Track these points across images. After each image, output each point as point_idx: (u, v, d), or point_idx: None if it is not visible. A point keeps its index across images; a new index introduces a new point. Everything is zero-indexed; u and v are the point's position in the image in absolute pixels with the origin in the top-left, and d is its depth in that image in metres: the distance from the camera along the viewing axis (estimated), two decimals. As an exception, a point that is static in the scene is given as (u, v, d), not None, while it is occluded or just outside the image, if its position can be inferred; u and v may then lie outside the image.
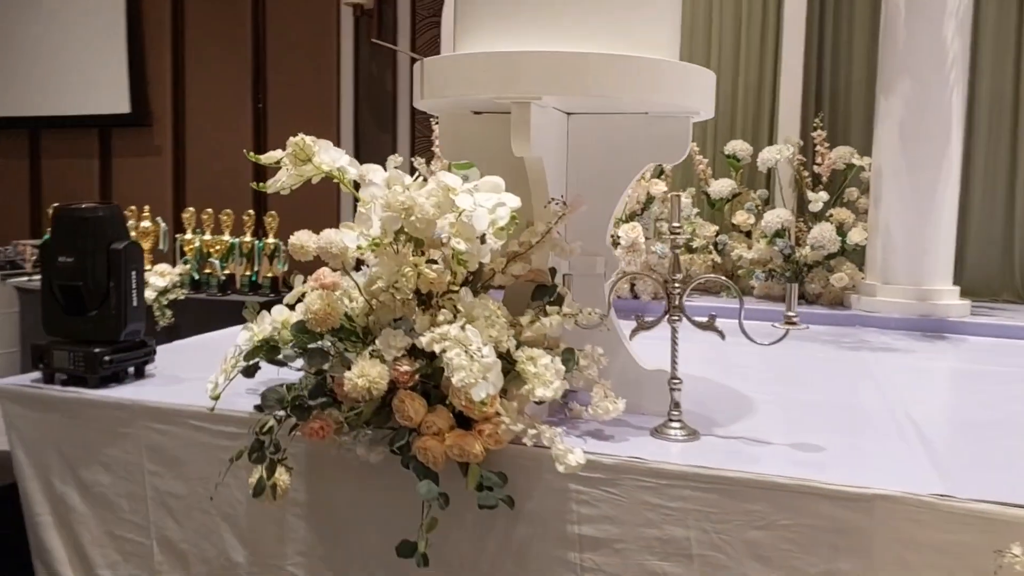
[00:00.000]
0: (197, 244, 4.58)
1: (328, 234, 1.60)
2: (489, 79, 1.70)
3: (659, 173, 3.95)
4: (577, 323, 1.75)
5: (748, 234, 3.97)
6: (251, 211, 4.58)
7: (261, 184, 2.06)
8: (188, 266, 4.54)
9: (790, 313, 1.67)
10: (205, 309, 4.47)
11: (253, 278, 4.53)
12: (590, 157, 1.98)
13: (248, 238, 4.55)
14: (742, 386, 2.30)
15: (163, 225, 4.67)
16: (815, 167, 3.87)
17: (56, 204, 2.13)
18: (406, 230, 1.60)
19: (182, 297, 4.43)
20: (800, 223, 3.76)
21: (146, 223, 4.68)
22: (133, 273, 2.12)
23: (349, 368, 1.60)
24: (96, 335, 2.10)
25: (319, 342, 1.75)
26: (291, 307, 1.91)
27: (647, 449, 1.69)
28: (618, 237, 3.66)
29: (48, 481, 2.08)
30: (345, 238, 1.58)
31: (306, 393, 1.64)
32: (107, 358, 2.07)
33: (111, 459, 2.01)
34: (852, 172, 3.79)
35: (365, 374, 1.55)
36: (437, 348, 1.50)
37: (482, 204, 1.54)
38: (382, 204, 1.58)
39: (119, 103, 6.09)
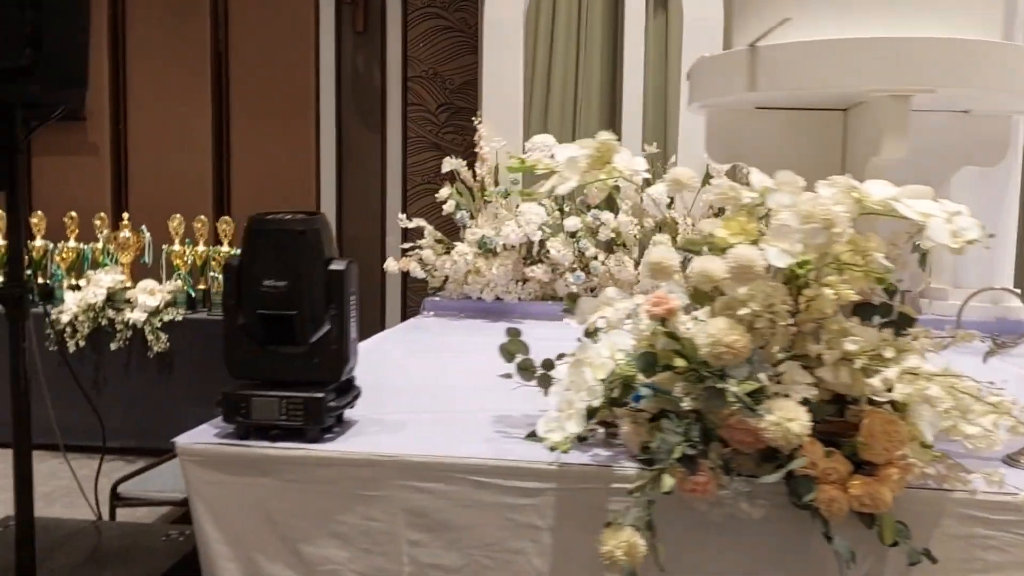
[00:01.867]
0: (190, 257, 4.01)
1: (744, 252, 1.33)
2: (868, 68, 1.48)
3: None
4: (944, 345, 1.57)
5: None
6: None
7: (526, 191, 1.75)
8: (181, 282, 3.97)
9: None
10: (206, 331, 3.92)
11: (260, 294, 4.02)
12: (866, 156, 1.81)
13: (253, 249, 4.03)
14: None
15: (147, 235, 4.06)
16: (867, 172, 3.86)
17: (254, 214, 1.71)
18: (815, 244, 1.36)
19: (179, 318, 3.88)
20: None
21: (126, 232, 4.06)
22: (352, 299, 1.73)
23: (752, 409, 1.34)
24: (311, 375, 1.70)
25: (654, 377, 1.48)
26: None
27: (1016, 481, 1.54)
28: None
29: (251, 561, 1.66)
30: (770, 256, 1.31)
31: (696, 440, 1.36)
32: (332, 403, 1.68)
33: (350, 529, 1.62)
34: (911, 177, 3.82)
35: (795, 417, 1.30)
36: (903, 388, 1.27)
37: (933, 212, 1.32)
38: (802, 216, 1.33)
39: (45, 94, 5.29)
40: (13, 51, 1.40)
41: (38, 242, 4.12)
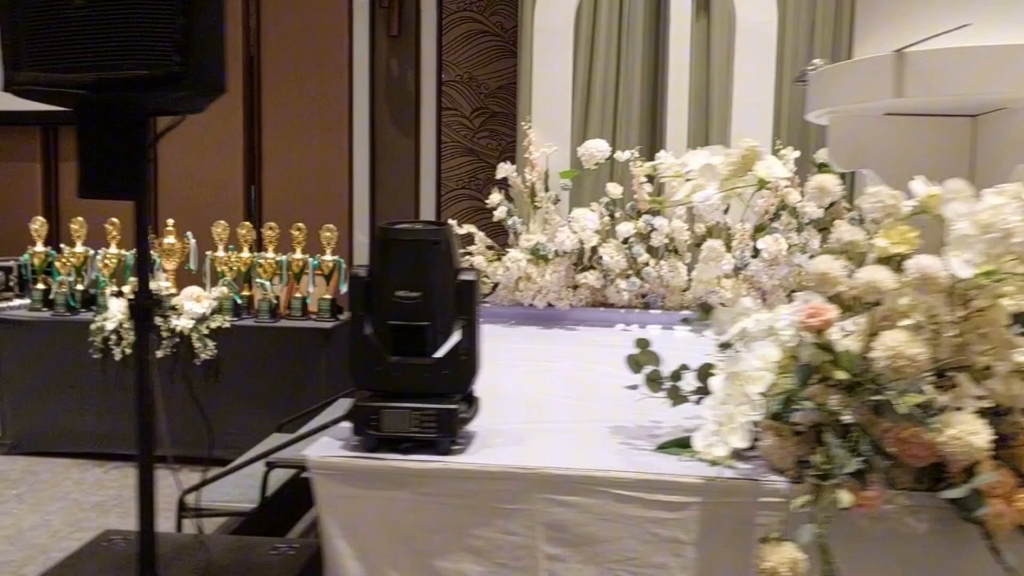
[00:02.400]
0: (236, 263, 3.96)
1: (928, 262, 1.31)
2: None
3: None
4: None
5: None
6: (301, 224, 4.02)
7: (658, 199, 1.74)
8: (227, 289, 3.92)
9: None
10: (253, 338, 3.87)
11: (307, 300, 3.98)
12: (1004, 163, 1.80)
13: (299, 255, 3.99)
14: None
15: (193, 242, 4.01)
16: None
17: (383, 224, 1.68)
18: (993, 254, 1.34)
19: (227, 325, 3.83)
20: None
21: (170, 239, 4.01)
22: (477, 309, 1.71)
23: (924, 423, 1.32)
24: (439, 387, 1.67)
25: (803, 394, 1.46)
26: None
27: None
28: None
29: (383, 577, 1.63)
30: (954, 266, 1.29)
31: (868, 454, 1.34)
32: (463, 415, 1.65)
33: (487, 544, 1.60)
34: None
35: (976, 431, 1.28)
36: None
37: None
38: (982, 225, 1.31)
39: (73, 98, 5.22)
40: (163, 58, 1.36)
41: (79, 248, 4.06)
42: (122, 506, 3.41)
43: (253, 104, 5.20)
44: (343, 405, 3.64)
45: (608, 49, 4.41)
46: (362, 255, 5.04)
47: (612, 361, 2.72)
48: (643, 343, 1.70)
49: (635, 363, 1.71)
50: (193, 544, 1.93)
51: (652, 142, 4.43)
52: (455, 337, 1.66)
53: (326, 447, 1.68)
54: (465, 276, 1.68)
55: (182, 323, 3.78)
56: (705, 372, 1.65)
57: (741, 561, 1.49)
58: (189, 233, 4.02)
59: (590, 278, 3.66)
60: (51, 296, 4.05)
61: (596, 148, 3.70)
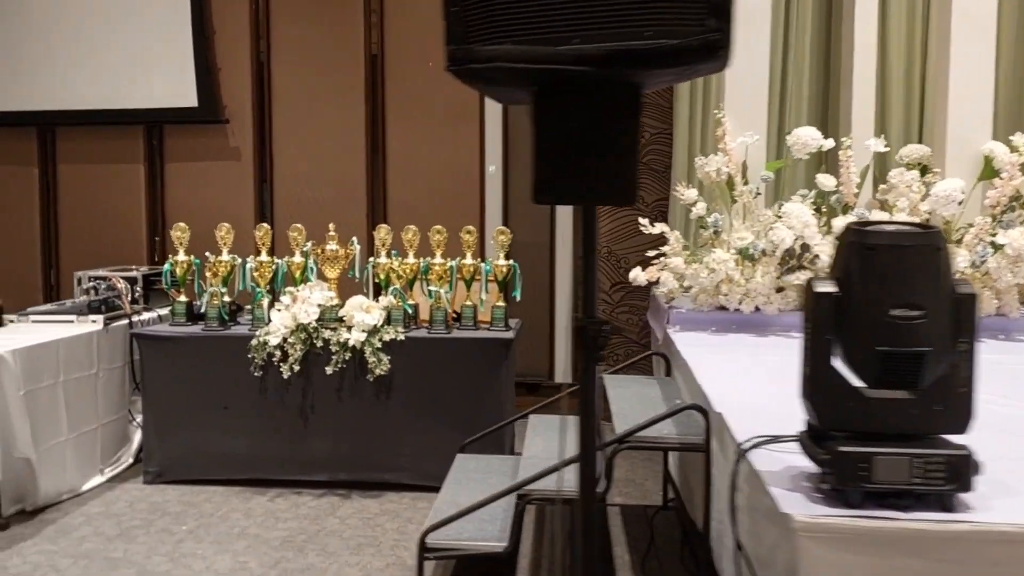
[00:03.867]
0: (402, 271, 3.65)
1: None
2: None
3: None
4: None
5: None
6: (471, 228, 3.70)
7: None
8: (396, 298, 3.61)
9: None
10: (428, 351, 3.55)
11: (479, 308, 3.67)
12: None
13: (469, 260, 3.68)
14: None
15: (357, 247, 3.70)
16: None
17: (854, 224, 1.37)
18: None
19: (401, 338, 3.51)
20: None
21: (332, 245, 3.69)
22: (977, 331, 1.39)
23: None
24: (930, 426, 1.36)
25: None
26: None
27: None
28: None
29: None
30: None
31: None
32: (975, 459, 1.34)
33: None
34: None
35: None
36: None
37: None
38: None
39: (180, 95, 4.91)
40: (696, 23, 1.06)
41: (224, 256, 3.75)
42: (314, 541, 3.10)
43: (376, 102, 4.89)
44: (537, 424, 3.35)
45: (775, 32, 4.08)
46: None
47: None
48: None
49: None
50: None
51: (823, 131, 4.11)
52: (950, 365, 1.35)
53: (801, 504, 1.37)
54: (964, 289, 1.37)
55: (354, 336, 3.47)
56: None
57: None
58: (355, 238, 3.71)
59: (803, 279, 3.34)
60: (199, 309, 3.75)
61: (809, 136, 3.39)
